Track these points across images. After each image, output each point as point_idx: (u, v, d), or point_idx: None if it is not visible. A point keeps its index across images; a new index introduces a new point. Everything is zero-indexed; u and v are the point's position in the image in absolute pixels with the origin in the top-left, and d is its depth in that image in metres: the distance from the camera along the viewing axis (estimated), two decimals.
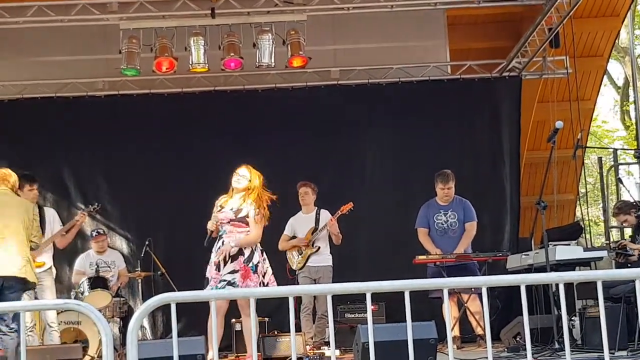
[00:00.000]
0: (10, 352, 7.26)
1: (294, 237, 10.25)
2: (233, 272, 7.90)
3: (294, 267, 10.14)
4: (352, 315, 10.65)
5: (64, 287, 11.24)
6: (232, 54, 11.07)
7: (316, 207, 10.22)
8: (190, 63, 11.17)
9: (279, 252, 10.23)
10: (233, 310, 8.41)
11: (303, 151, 12.18)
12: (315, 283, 9.91)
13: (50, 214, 9.57)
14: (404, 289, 4.35)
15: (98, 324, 4.15)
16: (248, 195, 8.11)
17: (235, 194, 8.16)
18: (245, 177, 8.15)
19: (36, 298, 9.10)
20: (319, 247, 10.04)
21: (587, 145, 15.29)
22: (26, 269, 7.50)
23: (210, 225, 8.06)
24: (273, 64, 11.18)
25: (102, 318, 4.11)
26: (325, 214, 10.10)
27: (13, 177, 7.92)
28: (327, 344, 9.80)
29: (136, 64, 11.16)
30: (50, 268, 9.38)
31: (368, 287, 4.36)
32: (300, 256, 10.09)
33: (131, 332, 4.05)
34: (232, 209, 8.09)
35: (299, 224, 10.22)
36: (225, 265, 7.90)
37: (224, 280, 7.84)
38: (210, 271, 7.98)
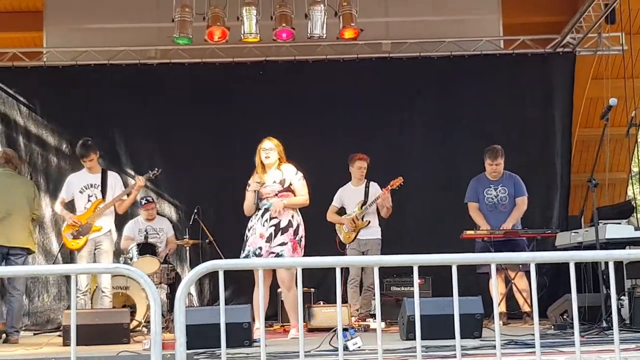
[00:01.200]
0: (13, 313, 8.86)
1: (342, 208, 10.27)
2: (282, 244, 8.05)
3: (344, 241, 10.18)
4: (399, 289, 10.67)
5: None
6: (283, 25, 11.06)
7: (365, 180, 10.22)
8: (242, 33, 11.18)
9: (326, 222, 10.28)
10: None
11: (352, 122, 12.17)
12: (363, 255, 9.94)
13: (113, 178, 9.60)
14: (452, 263, 4.33)
15: (147, 289, 4.19)
16: (281, 164, 8.26)
17: (268, 169, 8.25)
18: (272, 149, 8.27)
19: (94, 261, 9.24)
20: (369, 222, 10.06)
21: None
22: (28, 239, 9.13)
23: (255, 186, 8.16)
24: (324, 35, 11.16)
25: (151, 283, 4.15)
26: (374, 187, 10.11)
27: (16, 158, 9.45)
28: (373, 316, 9.83)
29: (188, 33, 11.20)
30: (109, 231, 9.41)
31: (415, 260, 4.35)
32: (350, 230, 10.12)
33: (179, 298, 4.08)
34: (274, 182, 8.20)
35: (348, 196, 10.24)
36: (275, 237, 8.04)
37: (273, 253, 7.98)
38: (255, 242, 8.07)
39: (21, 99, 12.37)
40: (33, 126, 12.31)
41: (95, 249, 9.28)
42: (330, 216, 10.31)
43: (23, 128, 12.30)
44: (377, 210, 10.12)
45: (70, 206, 9.56)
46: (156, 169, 10.01)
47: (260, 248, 8.07)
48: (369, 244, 10.03)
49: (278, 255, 8.02)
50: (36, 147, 12.27)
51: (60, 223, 11.81)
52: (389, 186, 9.98)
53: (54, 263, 11.28)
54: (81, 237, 9.24)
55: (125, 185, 9.91)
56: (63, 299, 11.83)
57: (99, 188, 9.42)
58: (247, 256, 8.09)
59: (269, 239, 8.10)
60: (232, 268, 4.30)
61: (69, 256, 10.76)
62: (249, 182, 8.36)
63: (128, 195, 9.59)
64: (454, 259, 4.35)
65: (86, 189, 9.41)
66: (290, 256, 8.05)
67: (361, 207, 10.08)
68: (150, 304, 4.11)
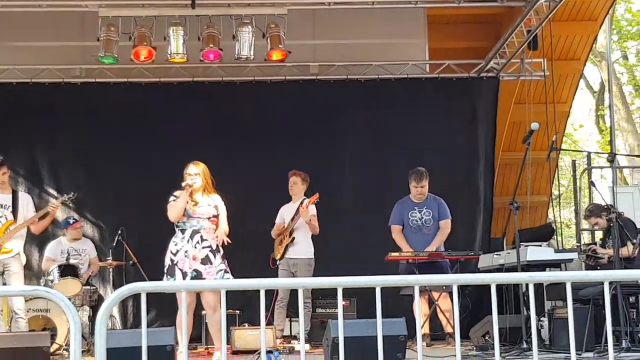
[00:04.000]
0: None
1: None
2: (221, 265, 8.02)
3: (275, 257, 10.14)
4: (324, 310, 10.67)
5: (33, 274, 11.16)
6: (211, 45, 11.04)
7: (303, 197, 10.20)
8: (169, 53, 11.14)
9: (259, 242, 10.22)
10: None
11: (280, 144, 12.16)
12: (293, 275, 9.92)
13: (25, 199, 9.45)
14: (376, 285, 4.35)
15: (67, 312, 4.11)
16: (209, 190, 8.17)
17: (195, 192, 8.17)
18: (197, 174, 8.17)
19: (3, 284, 9.07)
20: (294, 238, 10.01)
21: (562, 147, 15.35)
22: None
23: (190, 181, 8.10)
24: (252, 56, 11.17)
25: (71, 306, 4.07)
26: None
27: None
28: (297, 338, 9.83)
29: (114, 52, 11.10)
30: (18, 254, 9.23)
31: (339, 282, 4.36)
32: (279, 246, 10.09)
33: (100, 321, 4.02)
34: (209, 205, 8.13)
35: (286, 213, 10.21)
36: (214, 259, 7.98)
37: (221, 270, 7.92)
38: (191, 264, 7.98)
39: None
40: None
41: (4, 271, 9.12)
42: (274, 233, 10.29)
43: None
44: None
45: None
46: (72, 193, 9.88)
47: (197, 270, 7.97)
48: (297, 265, 9.98)
49: (226, 271, 8.00)
50: None
51: None
52: (306, 202, 9.91)
53: None
54: None
55: (37, 207, 9.73)
56: None
57: (10, 209, 9.21)
58: (184, 277, 7.98)
59: (205, 261, 7.99)
60: (154, 290, 4.27)
61: None
62: (175, 193, 8.24)
63: (43, 217, 9.44)
64: (378, 281, 4.37)
65: None
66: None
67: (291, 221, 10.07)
68: (71, 327, 4.04)
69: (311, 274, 9.94)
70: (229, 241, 8.14)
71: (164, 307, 10.18)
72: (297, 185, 10.18)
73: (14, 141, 11.85)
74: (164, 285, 4.14)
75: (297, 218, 9.94)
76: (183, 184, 8.13)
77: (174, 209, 8.13)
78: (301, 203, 9.97)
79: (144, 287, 4.23)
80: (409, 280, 5.04)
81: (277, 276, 9.94)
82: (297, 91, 12.42)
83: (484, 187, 12.44)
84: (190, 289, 6.71)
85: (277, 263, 10.12)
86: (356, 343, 5.98)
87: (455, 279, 4.71)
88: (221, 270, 8.00)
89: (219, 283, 6.89)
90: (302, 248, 10.02)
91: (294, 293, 9.93)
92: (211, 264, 8.01)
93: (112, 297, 4.14)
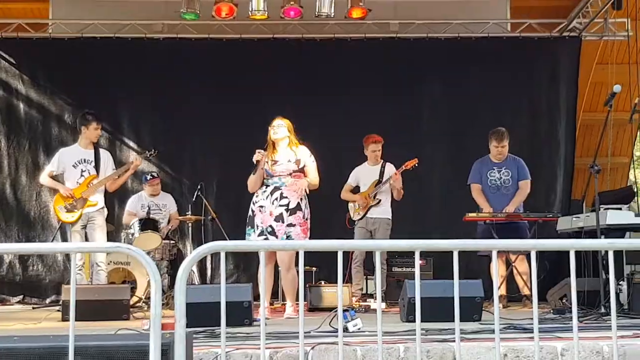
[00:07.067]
0: None
1: (357, 187, 10.30)
2: (290, 225, 8.06)
3: (353, 218, 10.22)
4: (400, 269, 10.68)
5: (114, 227, 11.36)
6: (292, 3, 11.11)
7: (382, 160, 10.24)
8: (250, 10, 11.20)
9: (337, 201, 10.29)
10: None
11: (358, 103, 12.11)
12: (370, 234, 10.00)
13: (105, 156, 9.71)
14: (453, 248, 4.33)
15: (148, 269, 4.17)
16: (292, 143, 8.25)
17: (278, 146, 8.25)
18: (281, 125, 8.27)
19: (86, 236, 9.30)
20: (380, 200, 10.08)
21: None
22: None
23: (257, 156, 8.17)
24: (332, 14, 11.17)
25: (152, 263, 4.12)
26: (390, 168, 10.13)
27: None
28: (373, 296, 9.88)
29: (196, 9, 11.23)
30: (102, 208, 9.53)
31: (417, 244, 4.34)
32: (361, 206, 10.15)
33: (180, 279, 4.07)
34: (290, 161, 8.19)
35: (364, 175, 10.29)
36: (286, 217, 8.07)
37: (287, 234, 8.03)
38: (266, 220, 8.09)
39: (24, 69, 12.31)
40: (35, 95, 12.25)
41: (88, 224, 9.34)
42: (345, 194, 10.36)
43: (24, 96, 12.24)
44: (391, 191, 10.14)
45: (56, 180, 9.59)
46: (153, 150, 10.19)
47: (271, 227, 8.09)
48: (377, 223, 10.07)
49: (287, 235, 8.05)
50: (37, 115, 12.23)
51: None
52: (402, 167, 10.00)
53: (53, 236, 11.28)
54: (75, 210, 9.30)
55: (118, 161, 9.94)
56: (58, 270, 11.78)
57: (92, 164, 9.47)
58: (261, 233, 8.11)
59: (278, 219, 8.11)
60: (234, 250, 4.32)
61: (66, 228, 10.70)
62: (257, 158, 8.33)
63: (125, 171, 9.68)
64: (456, 245, 4.34)
65: (80, 163, 9.47)
66: (298, 238, 8.03)
67: (375, 186, 10.11)
68: (151, 284, 4.09)
69: (389, 233, 9.98)
70: (307, 191, 8.23)
71: (241, 262, 10.33)
72: (380, 152, 10.23)
73: (96, 94, 12.02)
74: (243, 244, 4.17)
75: (386, 183, 9.99)
76: (254, 158, 8.20)
77: (248, 183, 8.31)
78: (382, 166, 10.06)
79: (223, 246, 4.27)
80: (488, 244, 5.01)
81: (352, 234, 10.03)
82: (377, 49, 12.35)
83: (564, 148, 12.28)
84: (269, 249, 6.77)
85: (355, 223, 10.19)
86: (432, 303, 5.99)
87: (534, 244, 4.65)
88: (288, 233, 8.08)
89: (296, 244, 6.93)
90: (384, 209, 10.13)
91: (369, 252, 9.99)
92: (282, 222, 8.09)
93: (192, 256, 4.19)
